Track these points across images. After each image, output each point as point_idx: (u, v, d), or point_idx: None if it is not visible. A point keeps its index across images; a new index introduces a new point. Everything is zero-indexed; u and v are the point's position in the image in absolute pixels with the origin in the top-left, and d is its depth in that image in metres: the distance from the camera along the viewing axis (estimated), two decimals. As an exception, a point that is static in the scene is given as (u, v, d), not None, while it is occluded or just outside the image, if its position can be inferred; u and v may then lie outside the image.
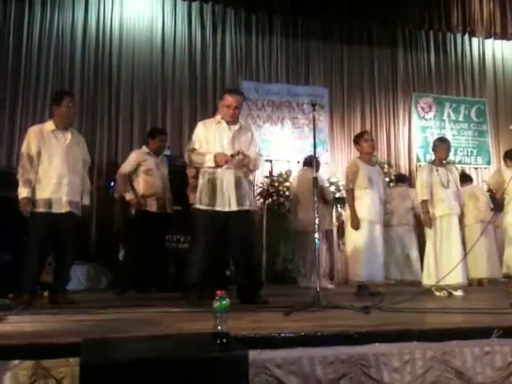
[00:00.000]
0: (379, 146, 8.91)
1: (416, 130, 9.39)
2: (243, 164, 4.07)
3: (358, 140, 5.44)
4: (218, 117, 4.27)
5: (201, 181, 4.13)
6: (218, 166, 4.00)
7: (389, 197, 7.13)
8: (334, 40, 9.17)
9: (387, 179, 8.16)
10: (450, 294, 5.03)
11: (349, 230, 5.24)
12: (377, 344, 2.42)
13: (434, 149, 5.43)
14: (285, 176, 7.97)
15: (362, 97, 9.20)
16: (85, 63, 7.86)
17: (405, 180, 7.68)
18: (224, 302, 1.96)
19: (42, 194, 4.06)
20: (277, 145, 8.53)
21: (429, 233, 5.22)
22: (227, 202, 4.02)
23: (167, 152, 5.83)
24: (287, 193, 7.53)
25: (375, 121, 9.20)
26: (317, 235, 3.83)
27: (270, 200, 7.91)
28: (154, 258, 5.31)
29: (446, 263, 4.94)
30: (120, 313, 3.50)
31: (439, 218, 5.16)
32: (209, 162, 4.02)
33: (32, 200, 4.02)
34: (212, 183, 4.04)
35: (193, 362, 1.83)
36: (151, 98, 8.09)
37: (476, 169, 9.50)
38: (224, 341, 1.92)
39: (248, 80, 8.63)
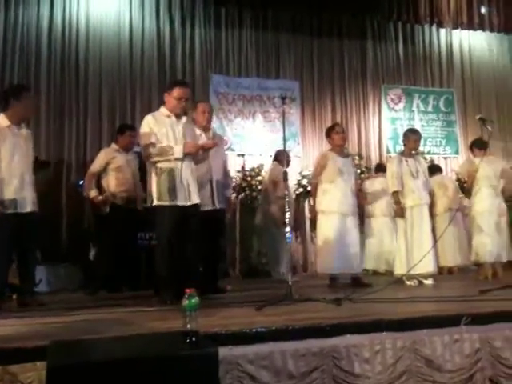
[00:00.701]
0: (350, 137, 8.93)
1: (386, 121, 9.47)
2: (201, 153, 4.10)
3: (329, 133, 5.44)
4: (166, 110, 4.12)
5: (157, 177, 3.95)
6: (185, 155, 3.94)
7: (364, 187, 7.17)
8: (304, 33, 9.15)
9: (358, 171, 8.23)
10: (421, 283, 5.11)
11: (320, 222, 5.24)
12: (348, 335, 2.45)
13: (405, 140, 5.48)
14: (257, 170, 7.97)
15: (332, 89, 9.22)
16: (51, 58, 7.65)
17: (385, 170, 7.52)
18: (193, 300, 1.95)
19: (7, 194, 3.92)
20: (248, 139, 8.49)
21: (400, 223, 5.28)
22: (187, 196, 3.97)
23: (137, 149, 5.76)
24: (260, 187, 7.53)
25: (346, 113, 9.24)
26: (288, 229, 3.84)
27: (242, 194, 7.91)
28: (126, 256, 5.25)
29: (416, 253, 5.00)
30: (91, 313, 3.45)
31: (410, 209, 5.23)
32: (177, 153, 3.92)
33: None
34: (171, 177, 3.92)
35: (162, 361, 1.82)
36: (120, 93, 7.94)
37: (445, 158, 9.64)
38: (193, 339, 1.91)
39: (218, 74, 8.55)
